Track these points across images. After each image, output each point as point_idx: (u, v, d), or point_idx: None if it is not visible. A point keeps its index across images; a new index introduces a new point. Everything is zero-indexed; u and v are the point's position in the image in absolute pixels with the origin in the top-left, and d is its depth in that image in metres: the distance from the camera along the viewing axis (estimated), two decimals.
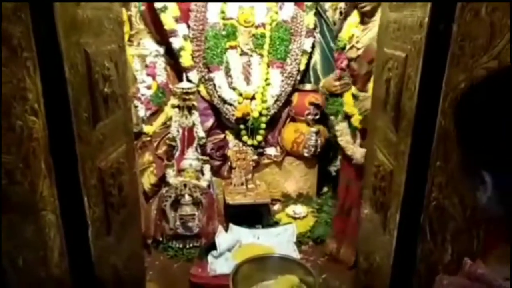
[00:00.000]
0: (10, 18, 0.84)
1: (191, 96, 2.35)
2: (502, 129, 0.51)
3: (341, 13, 2.51)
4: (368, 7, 2.00)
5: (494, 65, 0.78)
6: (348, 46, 2.17)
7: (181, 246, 2.30)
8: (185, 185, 2.23)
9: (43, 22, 0.95)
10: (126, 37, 2.45)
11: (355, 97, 2.15)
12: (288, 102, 2.67)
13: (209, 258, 2.16)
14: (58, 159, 1.01)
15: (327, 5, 2.69)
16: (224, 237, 2.25)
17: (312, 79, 2.74)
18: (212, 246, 2.23)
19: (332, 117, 2.43)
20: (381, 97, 1.43)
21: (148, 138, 2.57)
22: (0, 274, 0.86)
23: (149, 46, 2.66)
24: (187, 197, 2.21)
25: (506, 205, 0.54)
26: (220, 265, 2.08)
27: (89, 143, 1.17)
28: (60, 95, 1.02)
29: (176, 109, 2.39)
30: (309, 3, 2.64)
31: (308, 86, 2.68)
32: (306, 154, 2.55)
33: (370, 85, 1.93)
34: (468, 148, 0.58)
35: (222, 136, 2.62)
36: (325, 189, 2.84)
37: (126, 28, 2.55)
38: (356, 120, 2.13)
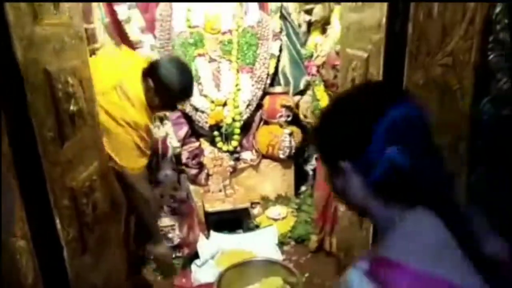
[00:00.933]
0: None
1: None
2: None
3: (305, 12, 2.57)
4: (319, 23, 2.15)
5: (449, 62, 0.82)
6: (315, 54, 2.28)
7: None
8: (162, 196, 2.21)
9: None
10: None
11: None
12: (260, 105, 2.69)
13: (193, 267, 2.15)
14: (24, 182, 0.99)
15: (291, 8, 2.73)
16: (206, 245, 2.24)
17: (282, 82, 2.77)
18: (195, 255, 2.21)
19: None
20: None
21: None
22: None
23: None
24: (165, 208, 2.19)
25: None
26: (204, 273, 2.07)
27: (57, 163, 1.14)
28: (21, 116, 0.99)
29: None
30: (273, 7, 2.67)
31: (278, 89, 2.71)
32: (281, 156, 2.58)
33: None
34: None
35: (197, 144, 2.62)
36: (303, 188, 2.88)
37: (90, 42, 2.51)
38: None
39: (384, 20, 1.08)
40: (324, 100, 2.35)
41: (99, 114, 1.54)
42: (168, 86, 1.68)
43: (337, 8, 2.09)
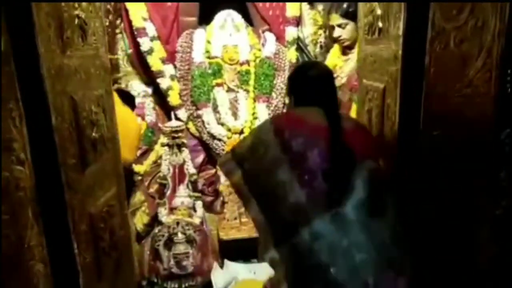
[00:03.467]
0: None
1: (180, 134, 2.38)
2: None
3: (321, 46, 2.62)
4: (347, 42, 2.14)
5: (469, 92, 0.82)
6: None
7: (176, 286, 2.25)
8: (177, 223, 2.21)
9: (29, 73, 0.98)
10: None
11: None
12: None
13: None
14: (46, 208, 1.01)
15: (307, 40, 2.79)
16: (219, 274, 2.21)
17: None
18: (208, 284, 2.18)
19: None
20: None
21: (140, 178, 2.57)
22: None
23: (137, 87, 2.71)
24: (180, 236, 2.18)
25: None
26: None
27: (78, 189, 1.17)
28: (47, 143, 1.02)
29: (166, 148, 2.41)
30: (290, 39, 2.74)
31: None
32: None
33: (352, 112, 2.14)
34: None
35: (213, 171, 2.63)
36: None
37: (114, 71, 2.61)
38: None
39: (400, 52, 1.09)
40: None
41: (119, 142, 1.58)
42: None
43: None
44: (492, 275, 0.92)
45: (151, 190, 2.52)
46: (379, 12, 1.29)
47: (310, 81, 1.25)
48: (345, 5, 2.23)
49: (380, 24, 1.28)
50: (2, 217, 0.82)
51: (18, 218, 0.89)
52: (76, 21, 1.26)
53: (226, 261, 2.36)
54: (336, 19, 2.25)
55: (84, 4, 1.30)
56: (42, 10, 1.00)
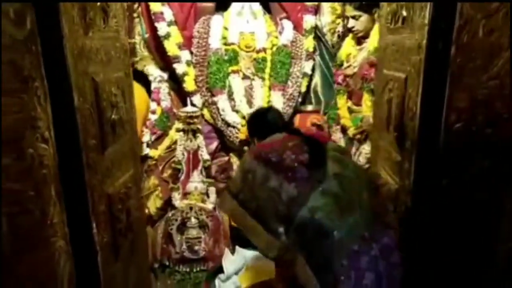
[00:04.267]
0: (21, 49, 0.87)
1: (195, 120, 2.39)
2: None
3: (339, 36, 2.61)
4: (361, 33, 2.27)
5: (495, 84, 0.80)
6: (345, 64, 2.32)
7: (188, 270, 2.28)
8: (191, 208, 2.23)
9: (53, 53, 0.99)
10: None
11: (350, 110, 2.40)
12: (290, 123, 2.70)
13: (216, 282, 2.14)
14: (67, 186, 1.03)
15: (325, 29, 2.75)
16: (230, 260, 2.23)
17: (313, 101, 2.78)
18: (219, 270, 2.21)
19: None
20: (383, 117, 1.45)
21: (154, 162, 2.59)
22: None
23: (153, 72, 2.72)
24: (193, 220, 2.21)
25: None
26: None
27: (97, 170, 1.18)
28: (69, 123, 1.04)
29: (181, 133, 2.42)
30: (308, 27, 2.71)
31: (309, 107, 2.72)
32: None
33: (363, 100, 2.25)
34: None
35: (226, 158, 2.64)
36: None
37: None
38: (351, 131, 2.37)
39: (424, 41, 1.07)
40: (343, 110, 2.45)
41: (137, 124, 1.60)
42: None
43: (377, 25, 2.15)
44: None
45: (165, 174, 2.55)
46: None
47: (268, 124, 1.68)
48: None
49: (404, 13, 1.26)
50: (25, 194, 0.84)
51: (42, 195, 0.91)
52: (98, 3, 1.26)
53: (237, 248, 2.38)
54: (350, 10, 2.30)
55: None
56: None
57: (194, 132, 2.40)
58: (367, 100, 2.21)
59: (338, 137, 2.52)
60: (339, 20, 2.76)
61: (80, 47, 1.11)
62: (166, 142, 2.63)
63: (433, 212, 1.02)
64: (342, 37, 2.55)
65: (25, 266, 0.87)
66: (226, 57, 2.61)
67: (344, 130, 2.48)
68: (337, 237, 1.08)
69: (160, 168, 2.55)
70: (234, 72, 2.60)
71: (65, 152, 1.02)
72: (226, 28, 2.67)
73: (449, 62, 0.95)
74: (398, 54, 1.33)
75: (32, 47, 0.92)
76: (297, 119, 2.67)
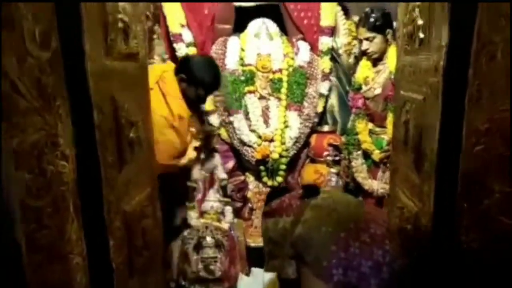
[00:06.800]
0: (46, 69, 0.90)
1: (211, 139, 2.41)
2: None
3: (355, 57, 2.62)
4: (375, 54, 2.31)
5: None
6: (364, 88, 2.31)
7: None
8: (206, 227, 2.23)
9: (75, 72, 1.02)
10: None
11: (372, 133, 2.38)
12: (307, 143, 2.69)
13: None
14: (85, 203, 1.04)
15: (341, 50, 2.78)
16: (246, 282, 2.20)
17: (329, 121, 2.78)
18: None
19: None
20: (400, 138, 1.43)
21: None
22: None
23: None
24: (209, 239, 2.20)
25: None
26: None
27: (114, 187, 1.20)
28: (89, 140, 1.06)
29: None
30: (324, 49, 2.73)
31: (326, 128, 2.72)
32: None
33: (387, 121, 2.24)
34: None
35: (242, 178, 2.65)
36: None
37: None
38: (376, 155, 2.32)
39: (441, 63, 1.07)
40: (364, 135, 2.41)
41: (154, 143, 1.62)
42: (197, 77, 2.06)
43: (393, 45, 2.15)
44: None
45: None
46: (420, 22, 1.27)
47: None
48: (372, 19, 2.27)
49: (421, 35, 1.26)
50: (44, 210, 0.86)
51: (60, 211, 0.92)
52: (120, 24, 1.30)
53: (252, 269, 2.35)
54: (363, 32, 2.31)
55: (127, 8, 1.35)
56: (89, 13, 1.05)
57: (211, 152, 2.42)
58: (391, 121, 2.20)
59: (359, 163, 2.47)
60: (355, 42, 2.78)
61: (101, 67, 1.15)
62: (184, 160, 2.66)
63: (453, 235, 1.00)
64: (356, 60, 2.56)
65: (41, 282, 0.88)
66: (242, 78, 2.65)
67: (366, 154, 2.45)
68: (324, 230, 1.09)
69: None
70: (250, 92, 2.64)
71: (84, 169, 1.04)
72: (243, 50, 2.72)
73: (467, 85, 0.94)
74: (415, 75, 1.33)
75: (55, 67, 0.95)
76: (313, 139, 2.67)
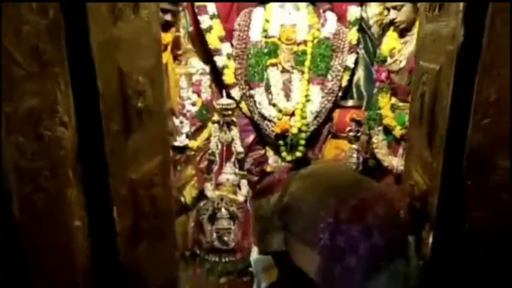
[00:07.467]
0: (44, 36, 0.91)
1: (229, 112, 2.40)
2: None
3: (383, 28, 2.49)
4: (403, 24, 2.09)
5: None
6: (389, 60, 2.20)
7: (217, 259, 2.32)
8: (221, 199, 2.26)
9: (77, 42, 1.02)
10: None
11: (395, 108, 2.29)
12: (329, 118, 2.63)
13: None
14: (87, 170, 1.07)
15: (371, 20, 2.64)
16: (259, 257, 2.22)
17: (355, 96, 2.69)
18: (248, 266, 2.21)
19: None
20: (416, 113, 1.36)
21: (192, 153, 2.65)
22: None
23: (196, 64, 2.78)
24: (223, 211, 2.24)
25: None
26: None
27: (120, 155, 1.22)
28: (91, 109, 1.07)
29: (216, 125, 2.45)
30: (352, 19, 2.61)
31: (350, 102, 2.63)
32: None
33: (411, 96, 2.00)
34: None
35: (262, 152, 2.64)
36: None
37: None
38: (397, 131, 2.24)
39: (458, 29, 0.98)
40: (386, 109, 2.33)
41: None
42: None
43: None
44: None
45: (202, 165, 2.60)
46: None
47: None
48: None
49: None
50: (41, 172, 0.88)
51: (58, 175, 0.95)
52: None
53: None
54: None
55: None
56: None
57: (229, 124, 2.42)
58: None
59: (380, 139, 2.40)
60: (386, 12, 2.63)
61: (106, 37, 1.15)
62: (205, 133, 2.69)
63: (458, 216, 0.94)
64: (383, 31, 2.43)
65: (40, 244, 0.92)
66: (265, 50, 2.60)
67: (387, 130, 2.37)
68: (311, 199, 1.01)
69: (198, 158, 2.61)
70: (272, 65, 2.59)
71: (86, 137, 1.06)
72: (267, 21, 2.66)
73: (481, 53, 0.86)
74: (435, 44, 1.24)
75: (55, 35, 0.96)
76: (336, 114, 2.61)
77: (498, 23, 0.82)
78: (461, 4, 0.97)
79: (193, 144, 2.66)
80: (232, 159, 2.42)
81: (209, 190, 2.36)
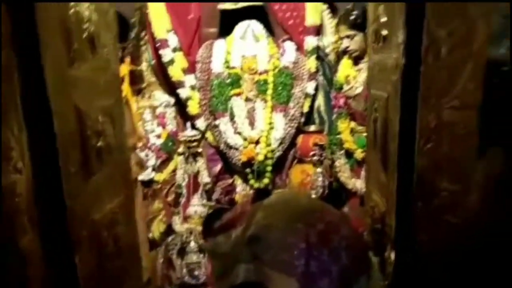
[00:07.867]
0: None
1: (195, 144, 2.41)
2: None
3: (338, 56, 2.61)
4: (356, 52, 2.21)
5: (457, 104, 0.77)
6: (346, 87, 2.30)
7: None
8: (190, 232, 2.23)
9: (32, 84, 1.02)
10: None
11: (354, 132, 2.39)
12: (293, 144, 2.68)
13: None
14: (44, 214, 1.04)
15: (328, 49, 2.76)
16: None
17: (317, 121, 2.77)
18: None
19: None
20: (371, 137, 1.42)
21: (159, 186, 2.62)
22: None
23: (160, 97, 2.79)
24: (192, 244, 2.20)
25: None
26: None
27: (79, 196, 1.20)
28: (47, 150, 1.06)
29: (182, 157, 2.44)
30: (309, 48, 2.72)
31: (312, 128, 2.70)
32: (314, 195, 2.52)
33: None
34: None
35: (230, 181, 2.64)
36: None
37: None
38: (358, 154, 2.32)
39: (400, 60, 1.06)
40: (346, 134, 2.41)
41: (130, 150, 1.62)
42: None
43: None
44: None
45: (169, 198, 2.57)
46: (383, 19, 1.26)
47: None
48: (352, 17, 2.25)
49: (384, 32, 1.25)
50: None
51: (13, 223, 0.92)
52: (85, 34, 1.30)
53: None
54: (344, 30, 2.30)
55: (94, 17, 1.35)
56: (46, 24, 1.04)
57: (195, 156, 2.42)
58: None
59: (342, 163, 2.48)
60: (341, 41, 2.76)
61: (63, 77, 1.15)
62: (171, 166, 2.66)
63: (410, 237, 0.98)
64: (338, 59, 2.55)
65: None
66: (228, 81, 2.65)
67: (349, 153, 2.45)
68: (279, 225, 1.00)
69: (164, 192, 2.58)
70: (236, 95, 2.63)
71: (43, 180, 1.04)
72: (228, 52, 2.72)
73: (419, 83, 0.93)
74: (382, 73, 1.31)
75: (8, 79, 0.95)
76: (300, 140, 2.66)
77: (430, 55, 0.89)
78: (400, 38, 1.05)
79: (159, 177, 2.63)
80: (200, 191, 2.41)
81: (177, 223, 2.32)
